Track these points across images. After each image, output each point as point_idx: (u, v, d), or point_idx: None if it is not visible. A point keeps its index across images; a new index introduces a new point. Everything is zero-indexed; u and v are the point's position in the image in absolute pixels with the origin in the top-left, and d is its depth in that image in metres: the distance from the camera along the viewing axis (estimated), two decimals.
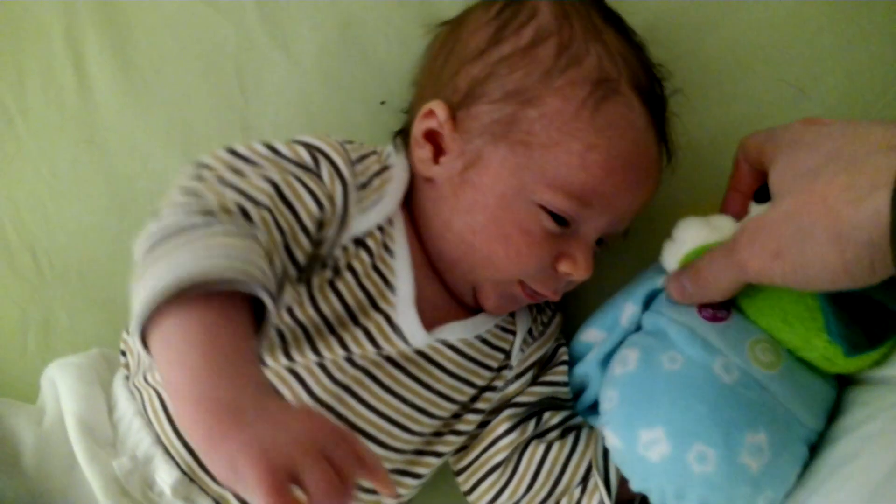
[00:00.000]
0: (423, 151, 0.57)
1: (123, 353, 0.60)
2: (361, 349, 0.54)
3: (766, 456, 0.51)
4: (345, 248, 0.54)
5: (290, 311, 0.53)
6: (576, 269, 0.56)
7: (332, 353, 0.53)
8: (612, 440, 0.55)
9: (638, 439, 0.53)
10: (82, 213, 0.69)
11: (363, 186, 0.55)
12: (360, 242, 0.55)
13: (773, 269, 0.46)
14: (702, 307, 0.55)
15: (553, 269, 0.57)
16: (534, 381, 0.63)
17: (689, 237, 0.56)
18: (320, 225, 0.52)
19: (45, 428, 0.56)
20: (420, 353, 0.56)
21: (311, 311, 0.53)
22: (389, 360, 0.55)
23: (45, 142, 0.69)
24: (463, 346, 0.58)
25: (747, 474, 0.51)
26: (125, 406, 0.56)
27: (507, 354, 0.61)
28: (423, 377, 0.56)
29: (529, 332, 0.63)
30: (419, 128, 0.57)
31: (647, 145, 0.57)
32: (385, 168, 0.58)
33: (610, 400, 0.56)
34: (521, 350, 0.62)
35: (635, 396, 0.54)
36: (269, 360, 0.53)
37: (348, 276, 0.54)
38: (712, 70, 0.68)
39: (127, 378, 0.59)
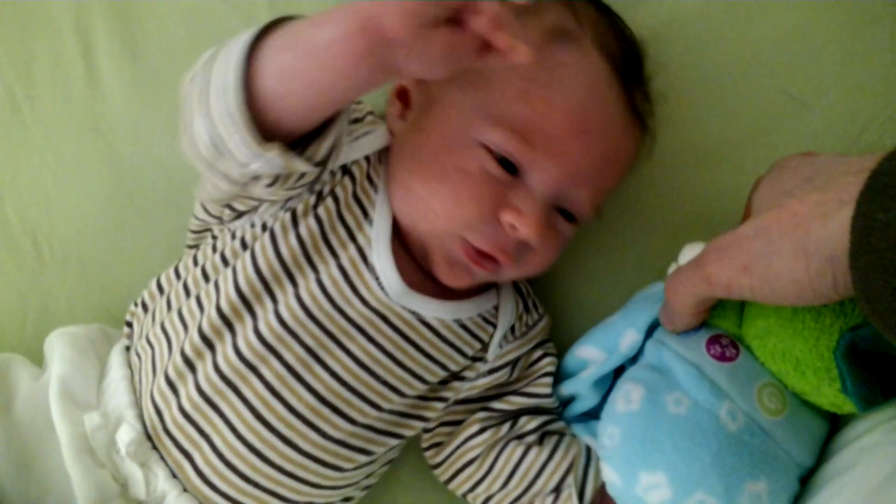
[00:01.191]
0: (393, 108, 0.59)
1: (129, 324, 0.62)
2: (336, 286, 0.54)
3: (766, 500, 0.51)
4: (332, 174, 0.56)
5: (273, 240, 0.54)
6: (521, 222, 0.53)
7: (307, 284, 0.54)
8: (611, 477, 0.55)
9: (638, 482, 0.53)
10: (85, 200, 0.70)
11: (355, 121, 0.58)
12: (346, 170, 0.56)
13: (742, 283, 0.46)
14: (710, 344, 0.54)
15: (497, 222, 0.54)
16: (512, 388, 0.63)
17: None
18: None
19: (40, 384, 0.57)
20: (394, 328, 0.56)
21: (291, 237, 0.54)
22: (362, 315, 0.55)
23: (51, 129, 0.69)
24: (440, 326, 0.57)
25: None
26: (115, 372, 0.58)
27: (485, 346, 0.61)
28: (394, 351, 0.56)
29: (512, 329, 0.63)
30: (392, 87, 0.59)
31: (604, 97, 0.55)
32: (378, 117, 0.60)
33: (611, 437, 0.55)
34: (500, 346, 0.61)
35: (638, 438, 0.53)
36: (245, 289, 0.54)
37: (329, 201, 0.55)
38: (716, 81, 0.68)
39: (127, 349, 0.60)
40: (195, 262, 0.59)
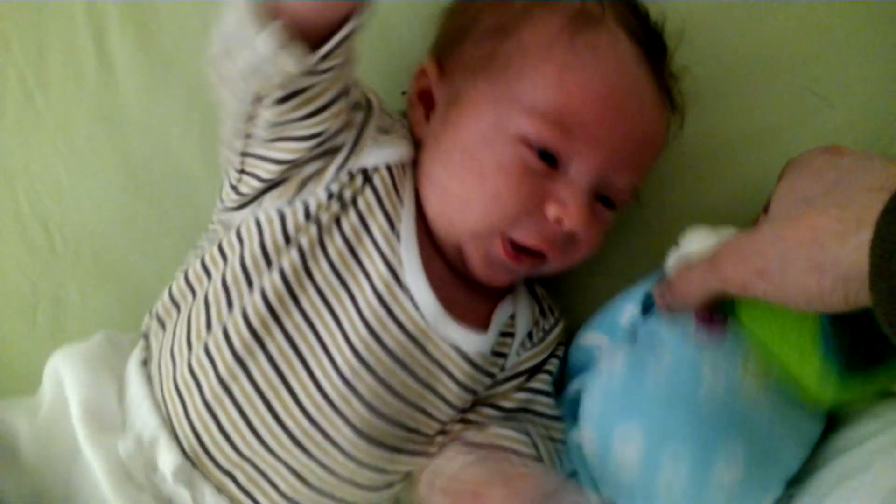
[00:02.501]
0: (416, 112, 0.58)
1: (146, 337, 0.60)
2: (371, 310, 0.53)
3: (740, 468, 0.51)
4: (351, 176, 0.55)
5: (303, 258, 0.54)
6: (565, 212, 0.53)
7: (344, 309, 0.53)
8: (588, 435, 0.55)
9: (613, 432, 0.53)
10: (97, 189, 0.70)
11: (383, 131, 0.57)
12: (367, 178, 0.55)
13: (756, 286, 0.47)
14: (698, 314, 0.54)
15: (542, 216, 0.54)
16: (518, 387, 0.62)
17: (696, 245, 0.56)
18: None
19: (42, 418, 0.56)
20: (433, 361, 0.55)
21: (321, 259, 0.54)
22: (399, 343, 0.54)
23: (63, 117, 0.69)
24: (479, 359, 0.57)
25: (720, 484, 0.51)
26: (136, 389, 0.57)
27: (505, 357, 0.60)
28: (431, 382, 0.56)
29: (529, 335, 0.62)
30: (413, 90, 0.59)
31: (637, 79, 0.54)
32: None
33: (591, 396, 0.55)
34: (517, 354, 0.61)
35: (617, 391, 0.54)
36: (276, 306, 0.53)
37: (353, 215, 0.55)
38: (737, 75, 0.68)
39: (144, 362, 0.59)
40: (207, 273, 0.57)
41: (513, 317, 0.61)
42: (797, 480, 0.56)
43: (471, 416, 0.60)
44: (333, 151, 0.56)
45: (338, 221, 0.55)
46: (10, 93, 0.69)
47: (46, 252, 0.70)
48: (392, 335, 0.54)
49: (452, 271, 0.59)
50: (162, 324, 0.59)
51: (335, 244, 0.54)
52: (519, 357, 0.61)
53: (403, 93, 0.68)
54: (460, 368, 0.56)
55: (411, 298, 0.54)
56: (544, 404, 0.62)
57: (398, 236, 0.55)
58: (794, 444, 0.54)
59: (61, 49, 0.69)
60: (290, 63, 0.47)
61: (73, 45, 0.69)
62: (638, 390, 0.53)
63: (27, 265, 0.70)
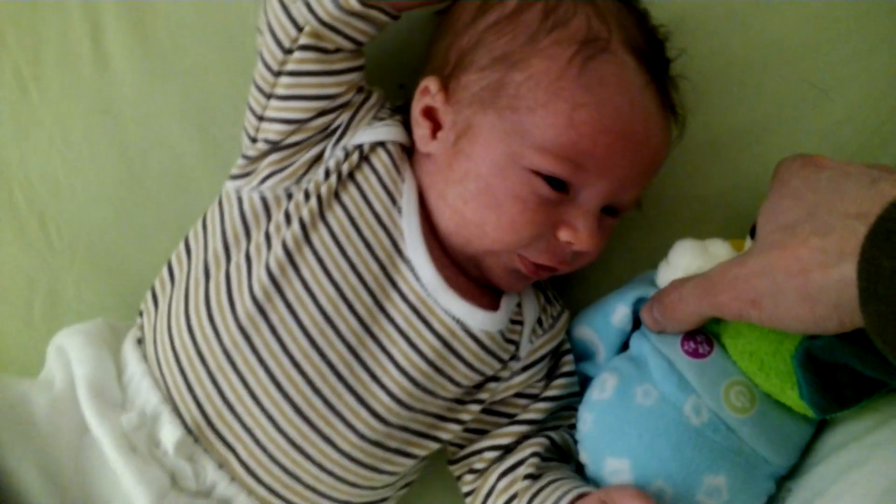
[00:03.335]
0: (421, 129, 0.59)
1: (141, 314, 0.62)
2: (373, 276, 0.56)
3: (724, 497, 0.54)
4: (346, 154, 0.58)
5: (304, 230, 0.56)
6: (577, 237, 0.56)
7: (344, 276, 0.55)
8: (584, 459, 0.60)
9: (605, 465, 0.57)
10: (93, 183, 0.70)
11: (379, 119, 0.60)
12: (364, 158, 0.58)
13: (751, 315, 0.50)
14: (685, 339, 0.57)
15: (555, 238, 0.57)
16: (537, 395, 0.63)
17: (684, 264, 0.58)
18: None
19: (57, 393, 0.57)
20: (437, 335, 0.56)
21: (321, 228, 0.56)
22: (403, 315, 0.56)
23: (60, 110, 0.70)
24: (485, 338, 0.58)
25: None
26: (134, 367, 0.58)
27: (517, 345, 0.61)
28: (435, 360, 0.56)
29: (539, 322, 0.63)
30: (417, 107, 0.59)
31: (644, 105, 0.56)
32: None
33: (584, 422, 0.60)
34: (531, 341, 0.62)
35: (607, 425, 0.58)
36: (277, 274, 0.55)
37: (353, 189, 0.57)
38: (736, 67, 0.68)
39: (139, 341, 0.61)
40: (206, 244, 0.59)
41: (519, 304, 0.62)
42: (796, 474, 0.56)
43: (502, 439, 0.62)
44: (332, 133, 0.59)
45: (337, 195, 0.57)
46: (5, 86, 0.69)
47: (42, 246, 0.70)
48: (394, 304, 0.56)
49: (455, 265, 0.60)
50: (155, 299, 0.61)
51: (336, 215, 0.57)
52: (533, 344, 0.62)
53: (401, 86, 0.69)
54: (465, 346, 0.57)
55: (412, 269, 0.56)
56: (568, 407, 0.64)
57: (399, 210, 0.58)
58: (782, 450, 0.55)
59: (57, 42, 0.69)
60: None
61: (69, 38, 0.69)
62: (626, 427, 0.56)
63: (23, 259, 0.70)
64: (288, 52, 0.56)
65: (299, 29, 0.56)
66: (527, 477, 0.59)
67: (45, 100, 0.69)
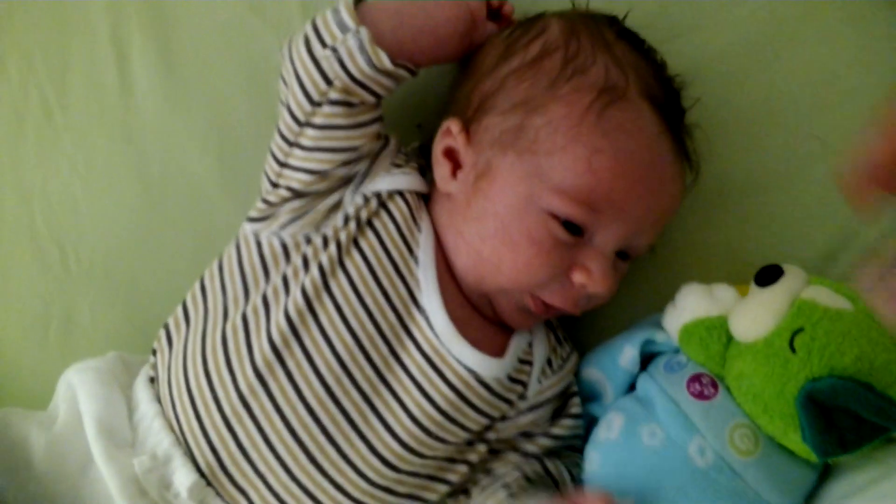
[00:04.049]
0: (442, 169, 0.61)
1: (154, 352, 0.62)
2: (388, 323, 0.56)
3: None
4: (366, 200, 0.59)
5: (324, 277, 0.57)
6: (590, 280, 0.57)
7: (359, 320, 0.56)
8: None
9: None
10: (113, 210, 0.71)
11: (396, 166, 0.62)
12: (381, 203, 0.60)
13: None
14: (691, 381, 0.58)
15: (568, 281, 0.58)
16: (541, 430, 0.64)
17: (689, 306, 0.60)
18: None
19: (57, 431, 0.58)
20: (450, 386, 0.57)
21: (340, 275, 0.57)
22: (416, 364, 0.56)
23: (83, 137, 0.71)
24: (495, 384, 0.59)
25: None
26: (146, 407, 0.59)
27: (525, 385, 0.62)
28: (448, 409, 0.57)
29: (549, 362, 0.64)
30: (438, 147, 0.61)
31: (660, 152, 0.58)
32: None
33: (591, 462, 0.61)
34: (539, 381, 0.63)
35: (613, 464, 0.59)
36: (295, 319, 0.56)
37: (371, 236, 0.59)
38: (746, 119, 0.70)
39: (152, 380, 0.61)
40: (223, 289, 0.60)
41: (530, 344, 0.63)
42: None
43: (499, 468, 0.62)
44: (350, 180, 0.60)
45: (356, 242, 0.58)
46: (31, 111, 0.71)
47: (60, 271, 0.71)
48: (409, 353, 0.57)
49: (469, 304, 0.61)
50: (170, 339, 0.61)
51: (355, 263, 0.58)
52: (541, 385, 0.63)
53: (419, 125, 0.70)
54: (477, 394, 0.58)
55: (427, 319, 0.57)
56: (571, 446, 0.65)
57: (416, 260, 0.59)
58: (786, 495, 0.56)
59: (84, 70, 0.71)
60: (385, 59, 0.57)
61: (96, 66, 0.71)
62: (632, 468, 0.57)
63: (40, 283, 0.71)
64: (317, 104, 0.58)
65: (329, 83, 0.57)
66: (504, 486, 0.60)
67: (70, 126, 0.71)
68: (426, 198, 0.64)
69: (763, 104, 0.70)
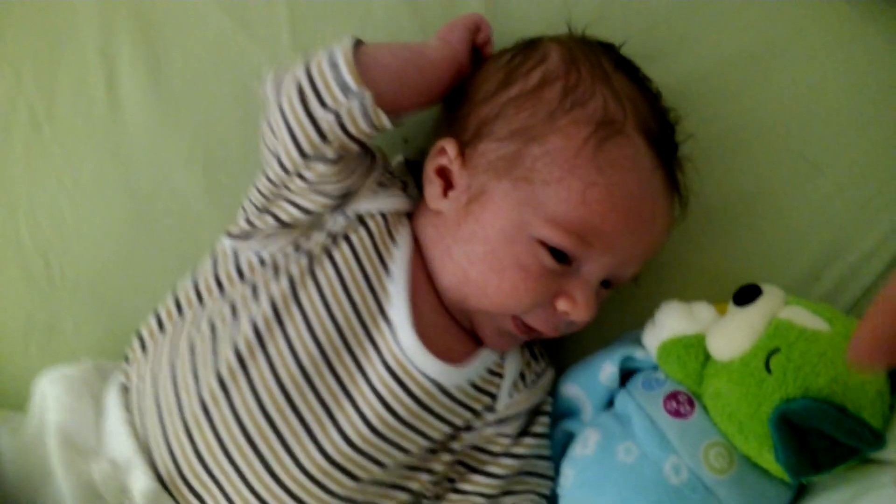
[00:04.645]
0: (433, 186, 0.61)
1: (127, 359, 0.63)
2: (352, 331, 0.57)
3: None
4: (347, 217, 0.60)
5: (292, 286, 0.58)
6: (574, 310, 0.58)
7: (324, 327, 0.57)
8: None
9: None
10: (99, 223, 0.72)
11: (381, 185, 0.62)
12: (361, 220, 0.60)
13: None
14: (668, 399, 0.59)
15: (552, 307, 0.59)
16: (507, 449, 0.64)
17: (669, 324, 0.61)
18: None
19: (26, 439, 0.58)
20: (413, 397, 0.57)
21: (309, 283, 0.58)
22: (380, 378, 0.57)
23: (70, 150, 0.72)
24: (456, 391, 0.60)
25: None
26: (114, 415, 0.60)
27: (493, 397, 0.63)
28: (407, 417, 0.57)
29: (522, 376, 0.65)
30: (431, 165, 0.62)
31: (653, 188, 0.59)
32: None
33: (566, 477, 0.62)
34: (510, 395, 0.63)
35: (587, 482, 0.59)
36: (262, 328, 0.57)
37: (345, 247, 0.59)
38: (729, 138, 0.71)
39: (125, 389, 0.62)
40: (199, 298, 0.61)
41: (502, 357, 0.64)
42: None
43: (464, 486, 0.63)
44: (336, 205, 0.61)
45: (329, 253, 0.59)
46: (18, 124, 0.72)
47: (44, 282, 0.71)
48: (373, 364, 0.57)
49: (446, 312, 0.62)
50: (144, 347, 0.62)
51: (326, 274, 0.58)
52: (511, 398, 0.63)
53: (405, 140, 0.71)
54: (439, 402, 0.59)
55: (392, 332, 0.58)
56: (543, 467, 0.65)
57: (389, 273, 0.59)
58: None
59: (72, 83, 0.72)
60: (385, 120, 0.56)
61: (85, 80, 0.72)
62: (606, 484, 0.58)
63: (24, 294, 0.72)
64: (309, 158, 0.56)
65: (325, 140, 0.56)
66: None
67: (57, 139, 0.72)
68: (410, 214, 0.64)
69: (750, 123, 0.71)
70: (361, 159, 0.60)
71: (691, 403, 0.59)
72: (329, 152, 0.56)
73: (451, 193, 0.60)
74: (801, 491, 0.59)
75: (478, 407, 0.61)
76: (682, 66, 0.70)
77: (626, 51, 0.64)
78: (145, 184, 0.71)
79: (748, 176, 0.71)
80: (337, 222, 0.60)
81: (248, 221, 0.61)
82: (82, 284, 0.71)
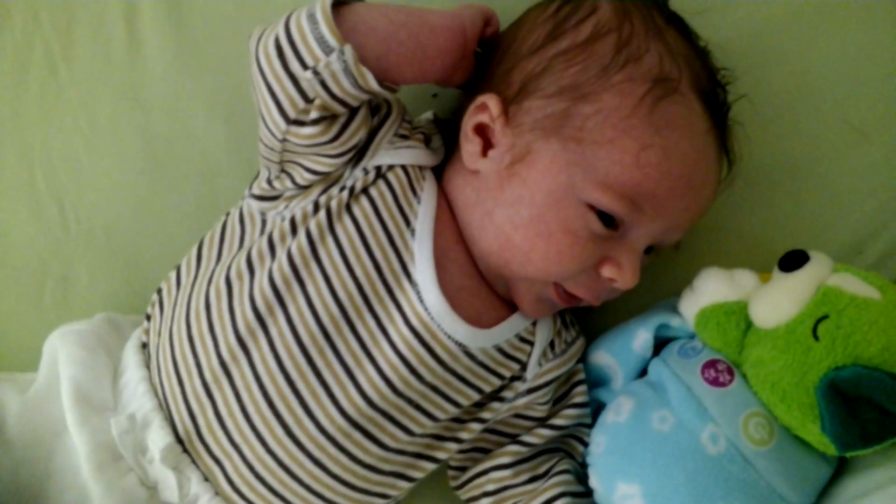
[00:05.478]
0: (471, 145, 0.59)
1: (148, 318, 0.62)
2: (377, 296, 0.55)
3: None
4: (364, 171, 0.58)
5: (311, 241, 0.56)
6: (621, 276, 0.57)
7: (344, 285, 0.55)
8: (594, 483, 0.60)
9: (616, 490, 0.57)
10: (115, 170, 0.71)
11: (401, 137, 0.60)
12: (380, 174, 0.58)
13: None
14: (706, 367, 0.57)
15: (596, 273, 0.57)
16: (543, 420, 0.63)
17: (709, 290, 0.59)
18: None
19: (32, 395, 0.58)
20: (438, 360, 0.56)
21: (329, 239, 0.56)
22: (404, 339, 0.55)
23: (87, 93, 0.70)
24: (480, 353, 0.58)
25: None
26: (132, 373, 0.59)
27: (524, 366, 0.62)
28: (432, 380, 0.56)
29: (552, 345, 0.63)
30: (470, 122, 0.59)
31: (706, 150, 0.57)
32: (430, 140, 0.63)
33: (597, 445, 0.60)
34: (539, 364, 0.62)
35: (620, 449, 0.58)
36: (280, 286, 0.55)
37: (365, 202, 0.57)
38: (776, 103, 0.69)
39: (144, 345, 0.61)
40: (219, 254, 0.60)
41: (534, 324, 0.62)
42: None
43: (503, 458, 0.62)
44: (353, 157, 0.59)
45: (349, 209, 0.57)
46: (35, 64, 0.70)
47: (59, 230, 0.71)
48: (397, 327, 0.56)
49: (478, 275, 0.60)
50: (161, 305, 0.61)
51: (346, 230, 0.56)
52: (542, 367, 0.62)
53: (434, 95, 0.69)
54: (463, 364, 0.58)
55: (418, 293, 0.56)
56: (586, 433, 0.64)
57: (413, 231, 0.57)
58: (799, 488, 0.55)
59: (91, 24, 0.70)
60: (371, 80, 0.53)
61: (104, 21, 0.70)
62: (640, 452, 0.57)
63: (38, 241, 0.71)
64: (294, 122, 0.54)
65: (308, 101, 0.53)
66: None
67: (74, 81, 0.70)
68: (440, 169, 0.63)
69: (797, 86, 0.69)
70: (365, 118, 0.57)
71: (731, 372, 0.57)
72: (314, 112, 0.53)
73: (491, 153, 0.58)
74: (841, 468, 0.58)
75: (506, 374, 0.60)
76: (729, 22, 0.68)
77: (673, 5, 0.62)
78: (164, 129, 0.70)
79: (792, 141, 0.69)
80: (356, 177, 0.58)
81: (269, 182, 0.59)
82: (97, 232, 0.71)
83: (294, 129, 0.54)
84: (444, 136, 0.65)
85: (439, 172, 0.63)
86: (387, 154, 0.59)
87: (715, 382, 0.57)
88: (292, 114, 0.53)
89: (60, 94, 0.70)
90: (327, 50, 0.52)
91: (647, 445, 0.56)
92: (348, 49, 0.52)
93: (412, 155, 0.60)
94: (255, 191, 0.60)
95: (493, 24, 0.62)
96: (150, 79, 0.70)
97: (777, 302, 0.56)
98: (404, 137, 0.60)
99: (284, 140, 0.55)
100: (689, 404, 0.56)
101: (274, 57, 0.53)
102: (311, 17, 0.53)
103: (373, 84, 0.53)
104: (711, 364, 0.58)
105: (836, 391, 0.51)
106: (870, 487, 0.54)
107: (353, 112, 0.56)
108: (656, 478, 0.55)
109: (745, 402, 0.56)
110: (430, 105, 0.69)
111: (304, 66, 0.52)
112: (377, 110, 0.59)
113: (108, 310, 0.67)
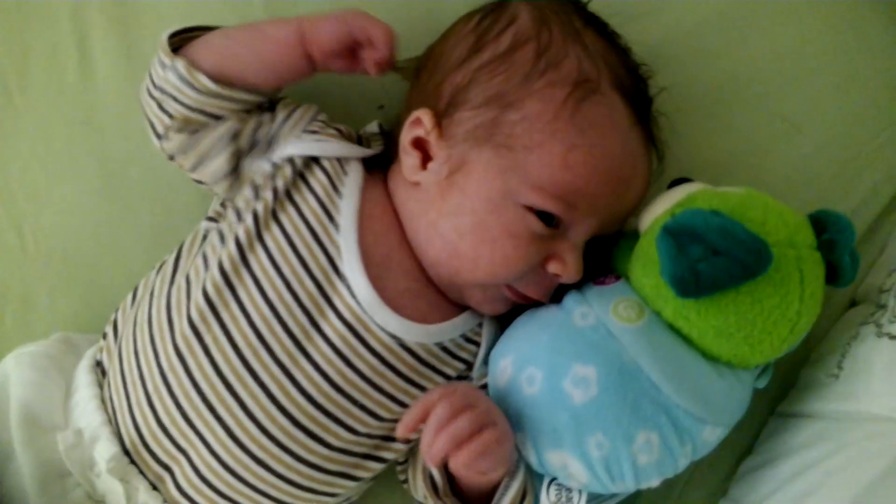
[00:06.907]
0: (410, 158, 0.62)
1: (104, 336, 0.64)
2: (307, 293, 0.58)
3: (592, 390, 0.55)
4: (276, 167, 0.61)
5: (240, 249, 0.59)
6: (565, 271, 0.60)
7: (277, 291, 0.57)
8: (488, 379, 0.63)
9: (497, 366, 0.61)
10: (73, 193, 0.73)
11: (309, 132, 0.63)
12: (296, 170, 0.61)
13: None
14: (598, 279, 0.62)
15: (543, 270, 0.60)
16: None
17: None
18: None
19: None
20: (374, 352, 0.58)
21: (258, 248, 0.58)
22: (338, 332, 0.57)
23: (43, 119, 0.73)
24: (421, 350, 0.61)
25: (567, 402, 0.55)
26: (84, 391, 0.61)
27: (469, 366, 0.64)
28: (372, 376, 0.59)
29: None
30: (407, 136, 0.62)
31: (632, 145, 0.60)
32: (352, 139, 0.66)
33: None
34: (485, 364, 0.64)
35: (508, 335, 0.62)
36: (213, 295, 0.58)
37: (291, 209, 0.60)
38: (708, 100, 0.73)
39: (98, 364, 0.63)
40: (173, 274, 0.62)
41: (480, 325, 0.65)
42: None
43: None
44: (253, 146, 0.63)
45: (275, 215, 0.60)
46: None
47: (18, 253, 0.73)
48: (330, 323, 0.58)
49: (424, 278, 0.62)
50: (115, 324, 0.64)
51: (273, 236, 0.59)
52: (486, 367, 0.64)
53: (381, 107, 0.71)
54: (403, 361, 0.60)
55: (348, 287, 0.59)
56: None
57: (336, 226, 0.60)
58: (675, 383, 0.55)
59: (44, 52, 0.73)
60: (198, 82, 0.59)
61: (57, 48, 0.73)
62: (517, 332, 0.61)
63: None
64: (162, 137, 0.62)
65: (170, 117, 0.61)
66: None
67: (30, 107, 0.73)
68: (378, 164, 0.65)
69: (728, 84, 0.73)
70: (225, 135, 0.61)
71: (617, 278, 0.62)
72: (176, 124, 0.60)
73: (430, 165, 0.61)
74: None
75: (451, 373, 0.62)
76: (660, 26, 0.72)
77: (604, 11, 0.65)
78: (118, 151, 0.72)
79: (726, 137, 0.72)
80: (262, 171, 0.61)
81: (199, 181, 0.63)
82: (56, 255, 0.72)
83: (163, 143, 0.61)
84: (389, 147, 0.67)
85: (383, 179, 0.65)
86: (294, 145, 0.62)
87: (600, 283, 0.62)
88: (160, 130, 0.61)
89: (17, 122, 0.72)
90: (165, 68, 0.60)
91: (525, 325, 0.61)
92: (180, 63, 0.59)
93: (325, 147, 0.62)
94: (210, 213, 0.63)
95: (379, 49, 0.62)
96: (104, 103, 0.72)
97: (653, 207, 0.61)
98: (314, 133, 0.63)
99: (172, 157, 0.62)
100: (573, 297, 0.60)
101: (143, 86, 0.63)
102: (159, 48, 0.61)
103: (208, 84, 0.59)
104: (605, 276, 0.63)
105: (669, 233, 0.54)
106: (803, 468, 0.57)
107: (214, 125, 0.61)
108: (524, 344, 0.59)
109: (621, 293, 0.60)
110: (376, 116, 0.71)
111: (155, 86, 0.61)
112: (272, 109, 0.63)
113: (69, 329, 0.69)
